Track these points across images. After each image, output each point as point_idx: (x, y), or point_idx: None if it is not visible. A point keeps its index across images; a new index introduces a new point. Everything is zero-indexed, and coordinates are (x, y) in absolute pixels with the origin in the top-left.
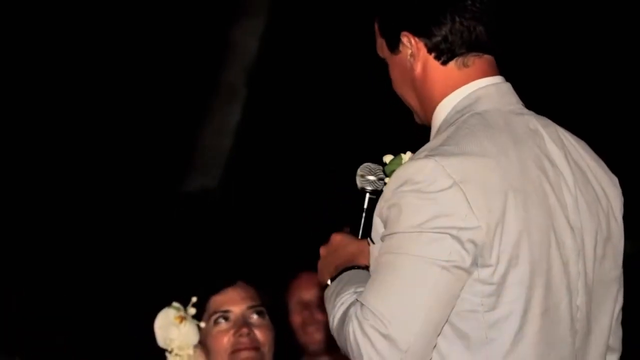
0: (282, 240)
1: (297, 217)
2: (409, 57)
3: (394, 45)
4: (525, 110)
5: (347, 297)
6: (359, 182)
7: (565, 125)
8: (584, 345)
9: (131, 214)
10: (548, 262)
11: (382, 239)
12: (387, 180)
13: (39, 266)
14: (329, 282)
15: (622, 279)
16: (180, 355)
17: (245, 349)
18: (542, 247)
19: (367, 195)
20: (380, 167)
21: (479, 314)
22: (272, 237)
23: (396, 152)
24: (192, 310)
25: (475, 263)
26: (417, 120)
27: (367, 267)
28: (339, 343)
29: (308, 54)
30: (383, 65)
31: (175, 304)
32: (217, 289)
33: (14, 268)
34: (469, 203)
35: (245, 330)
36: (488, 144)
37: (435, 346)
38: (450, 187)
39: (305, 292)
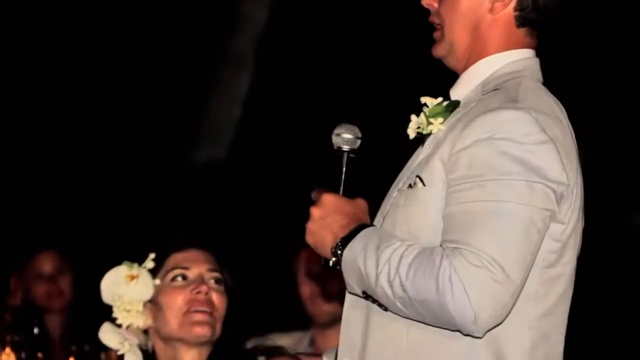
0: (288, 213)
1: (305, 188)
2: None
3: None
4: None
5: (402, 249)
6: (336, 140)
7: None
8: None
9: (141, 183)
10: (579, 237)
11: (454, 183)
12: (430, 120)
13: (42, 224)
14: (339, 241)
15: None
16: (128, 311)
17: (202, 310)
18: (579, 223)
19: (346, 154)
20: (356, 127)
21: (538, 268)
22: (279, 209)
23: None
24: (150, 264)
25: (556, 218)
26: (439, 51)
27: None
28: (412, 295)
29: (316, 24)
30: (392, 38)
31: (126, 262)
32: (179, 246)
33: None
34: (561, 160)
35: (204, 288)
36: (556, 108)
37: None
38: (545, 141)
39: (315, 264)
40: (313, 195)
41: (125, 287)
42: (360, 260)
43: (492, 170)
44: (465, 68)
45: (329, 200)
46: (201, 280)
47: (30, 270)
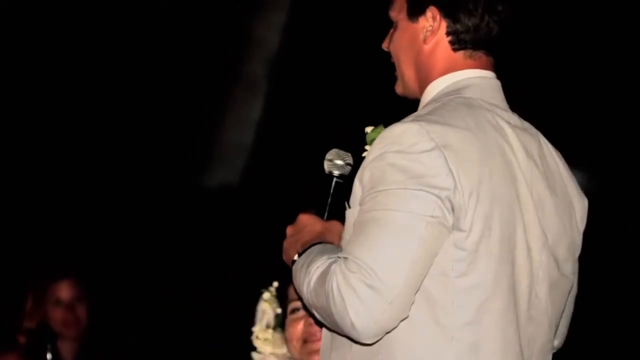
0: None
1: (319, 212)
2: (425, 30)
3: (416, 13)
4: (509, 109)
5: (321, 263)
6: (327, 166)
7: (562, 126)
8: (535, 334)
9: (152, 207)
10: (514, 241)
11: (363, 200)
12: (367, 147)
13: (48, 252)
14: (296, 257)
15: (576, 284)
16: (261, 339)
17: (318, 339)
18: (510, 225)
19: (335, 179)
20: (349, 154)
21: (449, 278)
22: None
23: None
24: (271, 295)
25: (453, 226)
26: (399, 89)
27: (332, 243)
28: (315, 303)
29: (330, 48)
30: None
31: (267, 290)
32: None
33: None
34: (448, 166)
35: (313, 320)
36: (470, 121)
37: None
38: (432, 149)
39: None
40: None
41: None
42: (298, 274)
43: (382, 182)
44: (422, 95)
45: (302, 219)
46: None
47: (48, 296)
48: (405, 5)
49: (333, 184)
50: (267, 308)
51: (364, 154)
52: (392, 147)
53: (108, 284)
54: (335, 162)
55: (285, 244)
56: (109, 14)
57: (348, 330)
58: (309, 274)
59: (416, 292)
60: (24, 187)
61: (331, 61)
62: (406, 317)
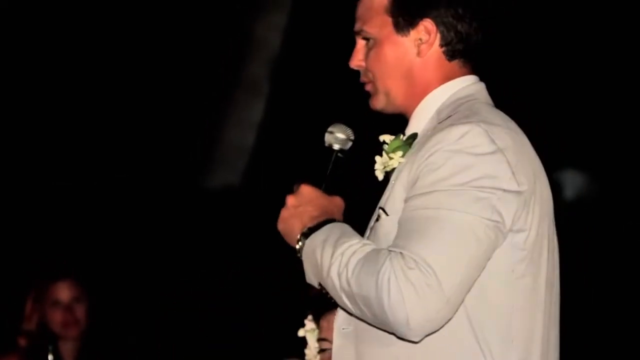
0: None
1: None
2: (417, 42)
3: (406, 27)
4: None
5: (358, 247)
6: (328, 138)
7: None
8: (554, 328)
9: (153, 208)
10: (552, 242)
11: (410, 197)
12: (391, 155)
13: (47, 253)
14: (305, 230)
15: None
16: None
17: None
18: (550, 227)
19: (335, 153)
20: (351, 129)
21: (511, 280)
22: None
23: None
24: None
25: (512, 228)
26: (377, 104)
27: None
28: (355, 290)
29: (331, 49)
30: None
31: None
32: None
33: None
34: (511, 168)
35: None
36: (511, 123)
37: (466, 308)
38: (494, 152)
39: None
40: (294, 186)
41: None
42: (319, 250)
43: (440, 180)
44: (413, 109)
45: (305, 191)
46: None
47: (47, 297)
48: (389, 21)
49: (333, 157)
50: (309, 337)
51: (376, 168)
52: (452, 146)
53: (108, 285)
54: (336, 135)
55: (285, 214)
56: (110, 14)
57: (399, 325)
58: (343, 255)
59: (467, 292)
60: (24, 188)
61: (332, 62)
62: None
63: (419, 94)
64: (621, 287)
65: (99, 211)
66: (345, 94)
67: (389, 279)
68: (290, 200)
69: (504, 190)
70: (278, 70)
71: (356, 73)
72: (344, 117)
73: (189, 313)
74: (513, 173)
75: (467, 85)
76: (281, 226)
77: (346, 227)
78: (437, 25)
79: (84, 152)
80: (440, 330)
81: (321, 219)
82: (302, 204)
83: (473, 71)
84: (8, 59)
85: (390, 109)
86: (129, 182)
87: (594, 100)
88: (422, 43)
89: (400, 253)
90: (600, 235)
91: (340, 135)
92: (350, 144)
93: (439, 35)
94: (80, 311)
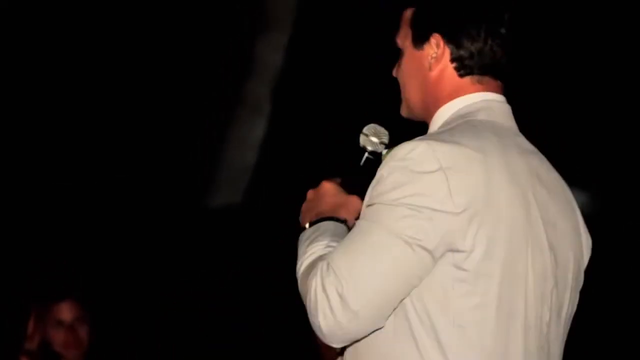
0: None
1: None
2: (430, 57)
3: (420, 41)
4: (519, 133)
5: (318, 248)
6: (362, 140)
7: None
8: None
9: (155, 228)
10: (524, 265)
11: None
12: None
13: (49, 273)
14: (307, 225)
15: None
16: None
17: None
18: (519, 249)
19: (366, 154)
20: (386, 132)
21: (450, 298)
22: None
23: None
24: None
25: (448, 248)
26: (404, 112)
27: (345, 221)
28: (300, 289)
29: (333, 69)
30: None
31: None
32: None
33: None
34: (449, 189)
35: None
36: (481, 142)
37: (409, 324)
38: (435, 170)
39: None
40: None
41: None
42: (300, 246)
43: (380, 194)
44: (430, 121)
45: (325, 186)
46: None
47: (49, 317)
48: (410, 33)
49: (364, 158)
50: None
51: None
52: (398, 163)
53: (110, 305)
54: (370, 138)
55: (304, 207)
56: (110, 31)
57: (316, 329)
58: (305, 254)
59: (391, 308)
60: (25, 208)
61: (334, 82)
62: (381, 328)
63: (432, 108)
64: (623, 304)
65: (101, 230)
66: (347, 112)
67: (311, 285)
68: (309, 194)
69: (434, 210)
70: (280, 90)
71: (356, 91)
72: (345, 136)
73: (191, 334)
74: (450, 193)
75: (474, 102)
76: (300, 218)
77: (335, 227)
78: (446, 40)
79: (86, 171)
80: (387, 337)
81: (323, 216)
82: (318, 198)
83: (496, 89)
84: (8, 59)
85: (413, 117)
86: (132, 202)
87: (596, 121)
88: (433, 58)
89: (327, 262)
90: (600, 254)
91: (374, 139)
92: (383, 147)
93: (447, 51)
94: (82, 331)
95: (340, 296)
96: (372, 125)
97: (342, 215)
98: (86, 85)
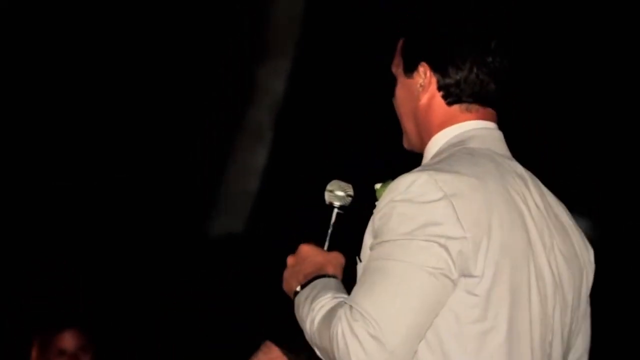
0: None
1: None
2: (418, 85)
3: (410, 69)
4: (513, 158)
5: (326, 301)
6: (327, 197)
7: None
8: None
9: (157, 255)
10: (527, 289)
11: (372, 247)
12: (377, 203)
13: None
14: (298, 288)
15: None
16: None
17: None
18: (521, 272)
19: (335, 210)
20: (350, 185)
21: (462, 325)
22: None
23: None
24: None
25: (462, 273)
26: (405, 144)
27: (335, 276)
28: (318, 343)
29: (335, 95)
30: None
31: None
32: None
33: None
34: (457, 215)
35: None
36: (477, 169)
37: (416, 352)
38: (440, 199)
39: None
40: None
41: None
42: (301, 307)
43: (389, 231)
44: (424, 148)
45: (303, 249)
46: None
47: (52, 347)
48: (401, 62)
49: (334, 215)
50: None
51: (375, 210)
52: (400, 196)
53: (113, 333)
54: (336, 193)
55: (286, 274)
56: (113, 52)
57: None
58: (313, 310)
59: (420, 340)
60: (28, 233)
61: (336, 108)
62: None
63: (425, 137)
64: (623, 304)
65: (104, 258)
66: (348, 139)
67: (336, 332)
68: (290, 260)
69: (448, 237)
70: (281, 116)
71: (355, 118)
72: (347, 163)
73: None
74: (458, 218)
75: (465, 131)
76: (284, 286)
77: (330, 282)
78: (433, 69)
79: (87, 196)
80: None
81: (312, 276)
82: (299, 262)
83: (487, 116)
84: (8, 59)
85: (413, 149)
86: (133, 229)
87: (598, 147)
88: (421, 86)
89: (350, 306)
90: (600, 283)
91: (340, 193)
92: (349, 200)
93: (434, 79)
94: None
95: (374, 338)
96: (334, 181)
97: (330, 272)
98: (90, 95)
